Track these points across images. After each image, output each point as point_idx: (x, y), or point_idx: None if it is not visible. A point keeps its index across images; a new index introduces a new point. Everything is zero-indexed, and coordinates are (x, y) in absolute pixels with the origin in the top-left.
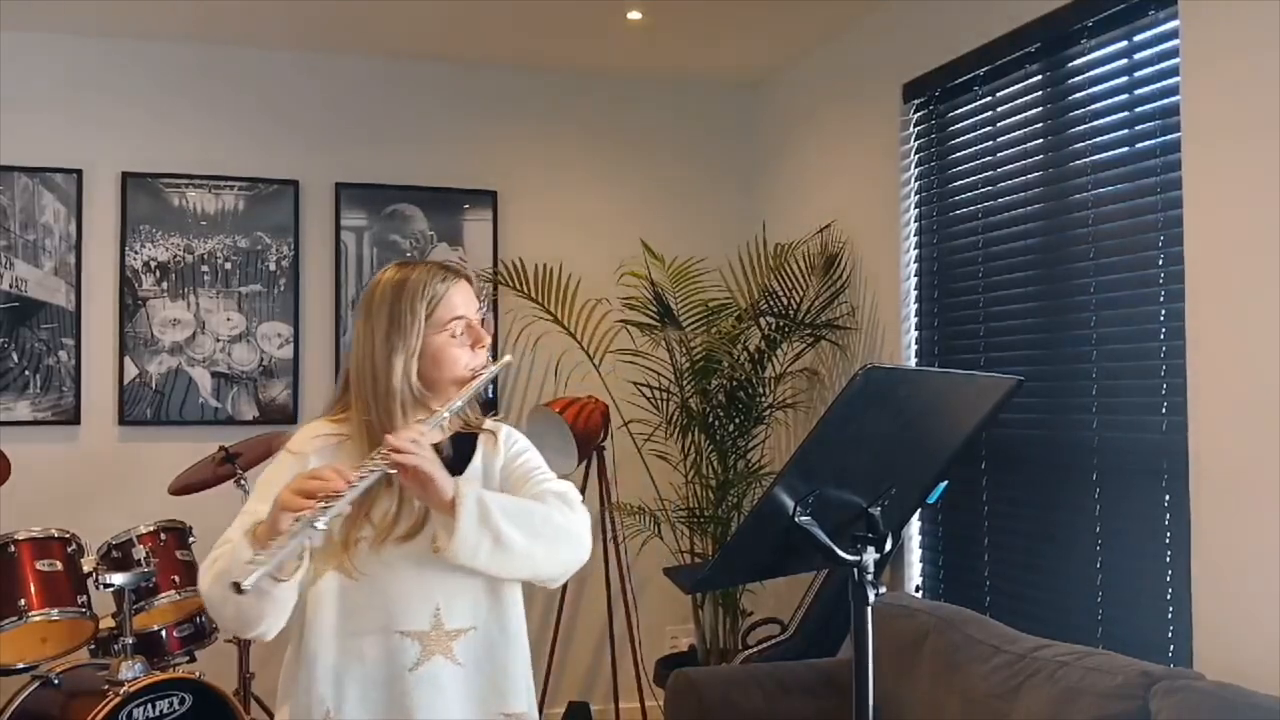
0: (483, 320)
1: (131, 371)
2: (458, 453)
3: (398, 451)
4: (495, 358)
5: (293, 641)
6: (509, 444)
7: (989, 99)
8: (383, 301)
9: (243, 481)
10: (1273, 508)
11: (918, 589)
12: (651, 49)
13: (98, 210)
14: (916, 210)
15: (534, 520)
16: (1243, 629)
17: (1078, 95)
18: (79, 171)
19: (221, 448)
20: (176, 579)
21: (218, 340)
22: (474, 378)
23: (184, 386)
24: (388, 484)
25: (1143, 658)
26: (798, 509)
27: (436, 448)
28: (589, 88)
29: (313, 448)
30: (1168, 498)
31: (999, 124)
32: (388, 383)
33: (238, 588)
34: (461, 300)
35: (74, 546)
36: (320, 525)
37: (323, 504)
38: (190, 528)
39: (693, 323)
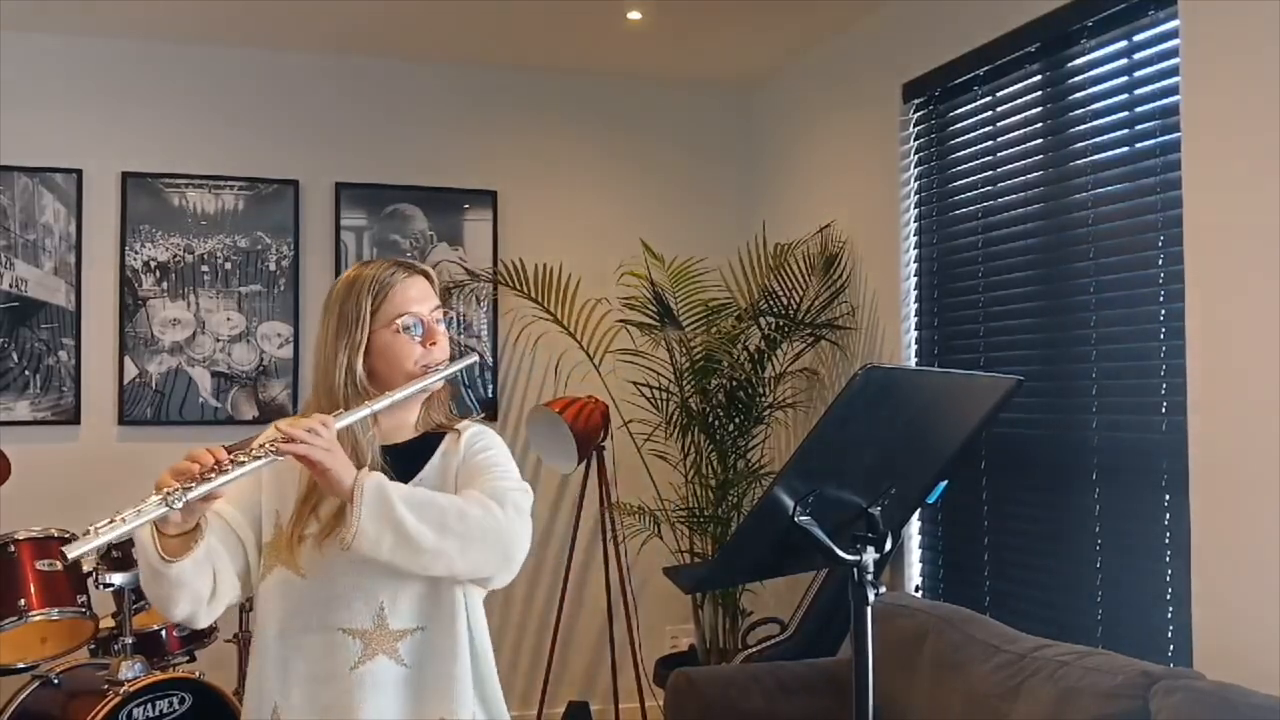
0: (449, 317)
1: (131, 371)
2: (417, 453)
3: (288, 440)
4: (461, 357)
5: (253, 641)
6: (471, 442)
7: (989, 99)
8: (335, 299)
9: None
10: (1273, 508)
11: (918, 589)
12: (651, 49)
13: (98, 210)
14: (916, 210)
15: (445, 516)
16: (1243, 629)
17: (1078, 95)
18: (79, 171)
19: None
20: None
21: (218, 340)
22: (426, 373)
23: (184, 386)
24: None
25: (1143, 658)
26: (798, 509)
27: (384, 448)
28: (589, 88)
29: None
30: (1168, 498)
31: (999, 124)
32: (332, 377)
33: (63, 556)
34: (415, 295)
35: None
36: (174, 503)
37: (188, 485)
38: None
39: (693, 323)
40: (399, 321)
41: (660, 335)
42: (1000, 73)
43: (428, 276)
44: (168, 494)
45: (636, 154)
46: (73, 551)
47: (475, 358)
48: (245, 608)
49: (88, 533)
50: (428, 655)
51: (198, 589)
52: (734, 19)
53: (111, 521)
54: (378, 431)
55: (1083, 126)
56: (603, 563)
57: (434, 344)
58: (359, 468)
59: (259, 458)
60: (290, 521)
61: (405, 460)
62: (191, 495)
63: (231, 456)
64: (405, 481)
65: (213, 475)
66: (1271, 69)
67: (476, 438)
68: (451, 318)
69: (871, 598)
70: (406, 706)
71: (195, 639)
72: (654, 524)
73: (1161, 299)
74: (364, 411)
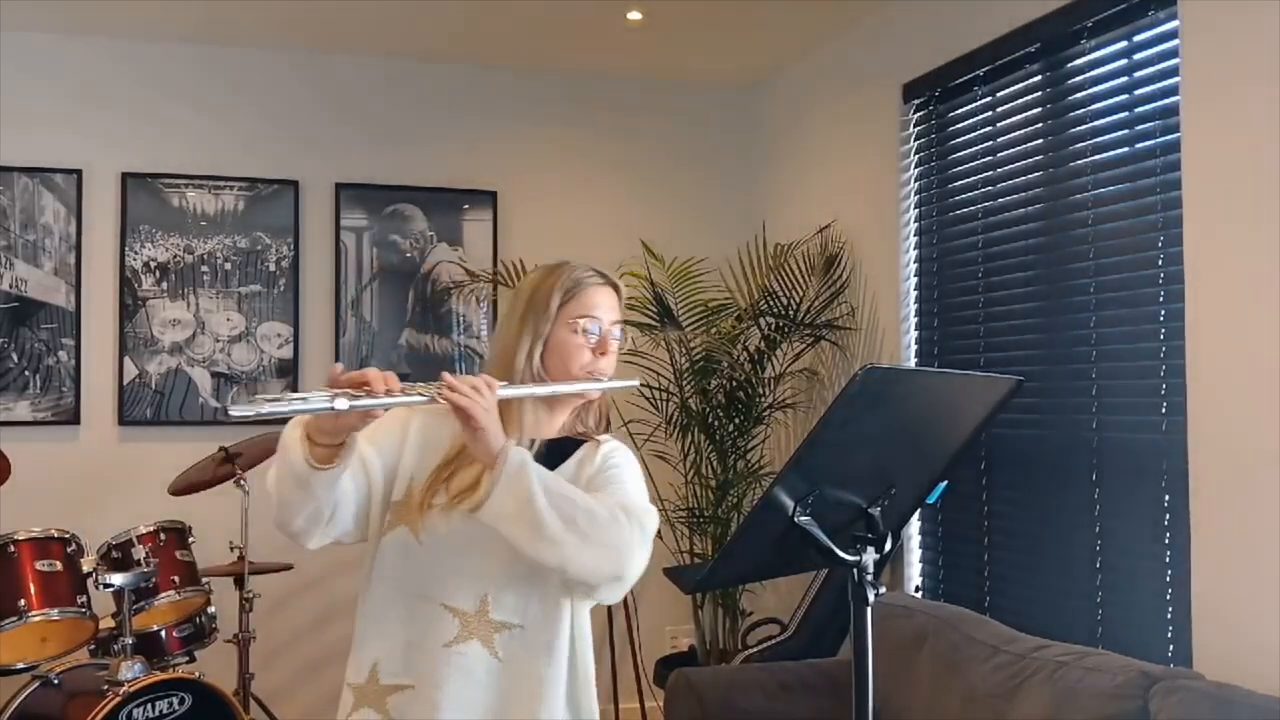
0: (622, 343)
1: (131, 371)
2: (558, 452)
3: (451, 389)
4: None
5: (360, 593)
6: (609, 456)
7: (989, 99)
8: (530, 285)
9: (242, 482)
10: (1273, 508)
11: (918, 589)
12: (651, 49)
13: (98, 210)
14: (916, 210)
15: (575, 509)
16: (1243, 629)
17: (1078, 95)
18: (79, 171)
19: (221, 448)
20: (176, 579)
21: (217, 340)
22: (588, 379)
23: (184, 386)
24: (470, 456)
25: (1143, 658)
26: (798, 509)
27: (533, 441)
28: (589, 88)
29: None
30: (1168, 498)
31: (999, 124)
32: (512, 359)
33: (226, 411)
34: (601, 302)
35: (74, 546)
36: (339, 405)
37: (355, 393)
38: (190, 528)
39: (692, 323)
40: (580, 322)
41: (660, 335)
42: (1000, 73)
43: (618, 290)
44: (337, 393)
45: (636, 154)
46: (235, 410)
47: (636, 383)
48: (245, 608)
49: (254, 400)
50: (522, 654)
51: (323, 506)
52: (734, 19)
53: (278, 398)
54: (534, 419)
55: (1083, 127)
56: None
57: (604, 354)
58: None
59: (421, 396)
60: (423, 486)
61: (544, 457)
62: (358, 403)
63: (402, 387)
64: None
65: (380, 395)
66: (1271, 69)
67: (614, 453)
68: (631, 337)
69: (871, 598)
70: (492, 700)
71: (195, 639)
72: None
73: (1161, 299)
74: (528, 390)
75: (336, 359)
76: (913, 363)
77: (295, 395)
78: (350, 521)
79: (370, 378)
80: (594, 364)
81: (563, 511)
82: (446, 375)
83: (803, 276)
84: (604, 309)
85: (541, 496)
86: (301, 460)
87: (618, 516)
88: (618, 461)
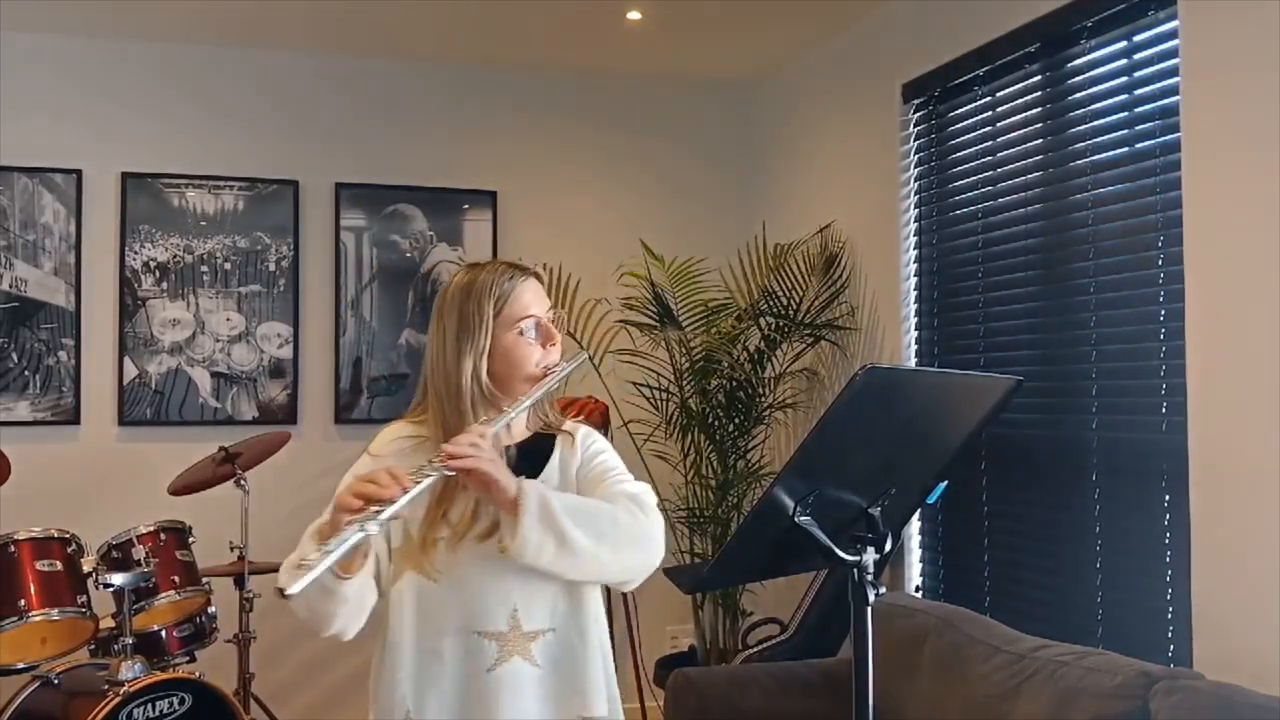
0: (555, 318)
1: (131, 371)
2: (535, 453)
3: (453, 458)
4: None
5: (377, 642)
6: (586, 444)
7: (989, 99)
8: (452, 303)
9: (242, 482)
10: (1273, 508)
11: (918, 589)
12: (651, 49)
13: (97, 210)
14: (916, 210)
15: (600, 522)
16: (1243, 629)
17: (1078, 95)
18: (79, 172)
19: (221, 448)
20: (176, 579)
21: (217, 340)
22: (546, 375)
23: (184, 386)
24: (463, 485)
25: (1143, 658)
26: (798, 509)
27: (507, 448)
28: (589, 88)
29: (391, 450)
30: (1168, 498)
31: (999, 124)
32: (458, 382)
33: (283, 593)
34: (531, 298)
35: (74, 546)
36: (373, 529)
37: (376, 508)
38: (190, 528)
39: (692, 323)
40: (521, 325)
41: (660, 335)
42: (1000, 73)
43: (539, 278)
44: (364, 520)
45: (636, 154)
46: (292, 589)
47: (585, 356)
48: (245, 608)
49: (300, 566)
50: (560, 656)
51: (355, 603)
52: (734, 19)
53: (321, 553)
54: (504, 430)
55: (1083, 127)
56: None
57: (552, 344)
58: None
59: (430, 475)
60: (421, 527)
61: (525, 460)
62: (384, 517)
63: (409, 474)
64: (530, 478)
65: (396, 496)
66: (1271, 70)
67: (589, 438)
68: (562, 318)
69: (871, 598)
70: (544, 707)
71: (195, 639)
72: None
73: (1161, 299)
74: (511, 416)
75: (336, 358)
76: (913, 363)
77: (334, 541)
78: (375, 592)
79: (377, 479)
80: (547, 358)
81: (591, 528)
82: (445, 446)
83: (803, 276)
84: (536, 303)
85: (571, 526)
86: (330, 577)
87: (634, 511)
88: (599, 447)
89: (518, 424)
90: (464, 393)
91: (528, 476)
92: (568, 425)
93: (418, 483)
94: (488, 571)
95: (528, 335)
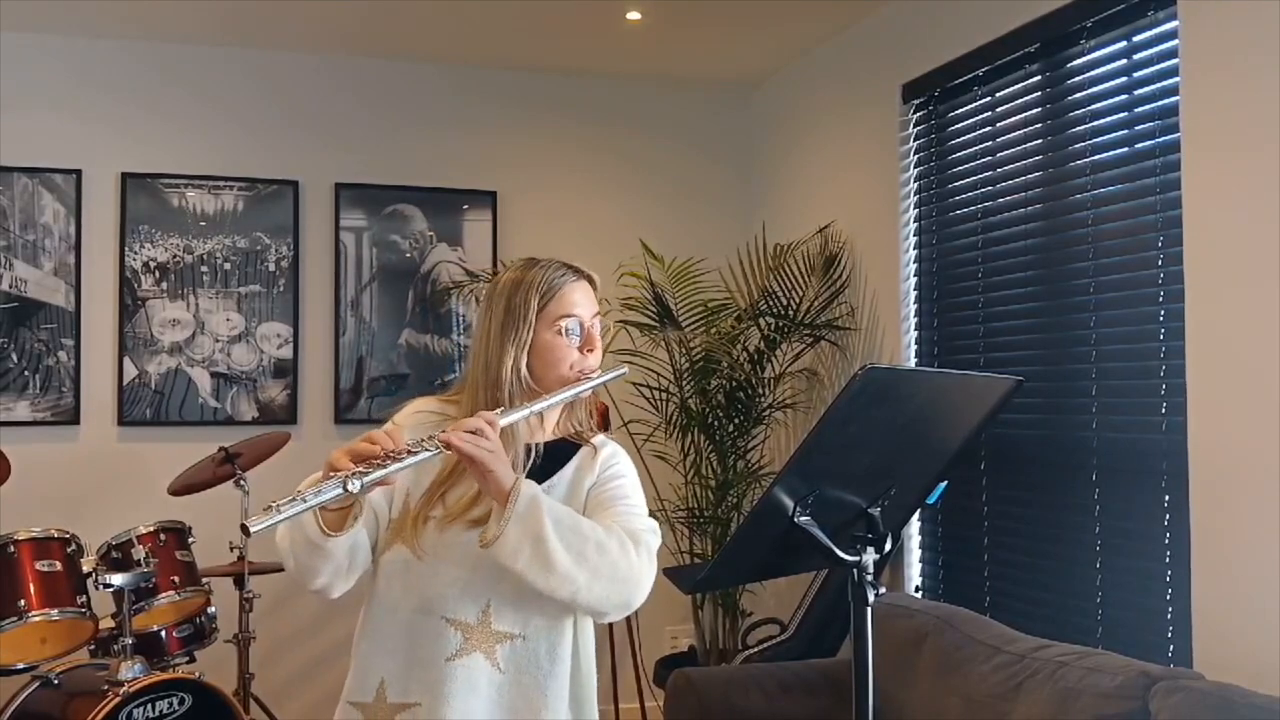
0: (603, 329)
1: (131, 372)
2: (554, 457)
3: (455, 438)
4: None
5: (362, 610)
6: (607, 464)
7: (989, 99)
8: (503, 293)
9: (242, 482)
10: (1273, 508)
11: (918, 589)
12: (651, 49)
13: (97, 210)
14: (916, 210)
15: (585, 545)
16: (1243, 629)
17: (1077, 95)
18: (79, 172)
19: (221, 448)
20: (176, 579)
21: (217, 340)
22: (580, 380)
23: (183, 387)
24: (463, 471)
25: (1143, 658)
26: (797, 509)
27: (533, 445)
28: (589, 88)
29: (412, 422)
30: (1168, 498)
31: (999, 124)
32: (498, 372)
33: (245, 530)
34: (579, 298)
35: (74, 546)
36: (353, 487)
37: (364, 468)
38: (190, 528)
39: (692, 323)
40: (562, 323)
41: (660, 335)
42: (1000, 73)
43: (592, 282)
44: (348, 477)
45: (636, 154)
46: (254, 526)
47: (625, 370)
48: (245, 608)
49: (268, 508)
50: (524, 665)
51: (342, 562)
52: (734, 19)
53: (292, 499)
54: (527, 426)
55: (1082, 127)
56: None
57: (590, 350)
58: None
59: (427, 451)
60: (419, 502)
61: (547, 460)
62: (369, 479)
63: (407, 446)
64: (538, 481)
65: (388, 462)
66: (1271, 69)
67: (612, 459)
68: (609, 327)
69: (871, 598)
70: (496, 713)
71: (195, 639)
72: None
73: (1161, 299)
74: (526, 411)
75: (336, 358)
76: (913, 363)
77: (309, 489)
78: (369, 559)
79: (375, 439)
80: (583, 362)
81: (573, 547)
82: (450, 426)
83: (802, 276)
84: (583, 305)
85: (553, 534)
86: (316, 531)
87: (626, 546)
88: (620, 471)
89: (549, 422)
90: (503, 384)
91: (539, 476)
92: (596, 439)
93: (414, 454)
94: (469, 561)
95: (567, 335)
